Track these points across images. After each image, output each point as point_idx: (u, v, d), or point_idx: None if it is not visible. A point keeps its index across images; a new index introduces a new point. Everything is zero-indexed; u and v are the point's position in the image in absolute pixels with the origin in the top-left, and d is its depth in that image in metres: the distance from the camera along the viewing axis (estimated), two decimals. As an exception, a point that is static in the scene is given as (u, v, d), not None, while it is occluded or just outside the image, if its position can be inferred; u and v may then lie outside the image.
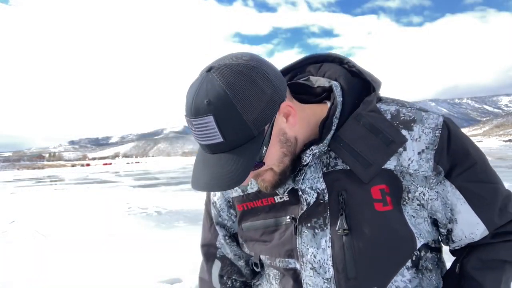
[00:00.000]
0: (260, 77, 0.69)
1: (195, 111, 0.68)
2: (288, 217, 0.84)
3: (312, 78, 0.89)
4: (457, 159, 0.77)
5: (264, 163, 0.75)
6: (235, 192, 0.95)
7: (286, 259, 0.85)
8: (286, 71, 0.92)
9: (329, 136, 0.78)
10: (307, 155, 0.77)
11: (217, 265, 1.04)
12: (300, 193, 0.81)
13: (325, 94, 0.86)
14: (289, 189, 0.83)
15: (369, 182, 0.76)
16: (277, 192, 0.85)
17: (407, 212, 0.77)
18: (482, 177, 0.78)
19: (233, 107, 0.66)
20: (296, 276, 0.84)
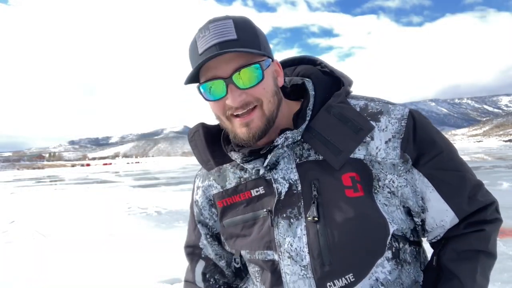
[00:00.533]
0: (259, 29, 0.85)
1: (215, 19, 0.78)
2: (265, 209, 0.87)
3: (287, 79, 0.95)
4: (423, 147, 0.79)
5: (263, 78, 0.79)
6: (215, 189, 0.99)
7: (265, 251, 0.87)
8: None
9: (303, 125, 0.82)
10: (280, 137, 0.82)
11: (201, 264, 1.07)
12: (272, 182, 0.85)
13: (297, 95, 0.93)
14: (258, 167, 0.86)
15: (340, 169, 0.79)
16: (247, 168, 0.88)
17: (379, 201, 0.80)
18: (449, 165, 0.81)
19: (249, 23, 0.80)
20: (274, 268, 0.87)
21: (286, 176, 0.83)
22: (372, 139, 0.79)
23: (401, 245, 0.83)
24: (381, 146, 0.79)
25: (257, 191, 0.88)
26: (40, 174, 55.54)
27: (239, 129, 0.82)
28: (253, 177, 0.89)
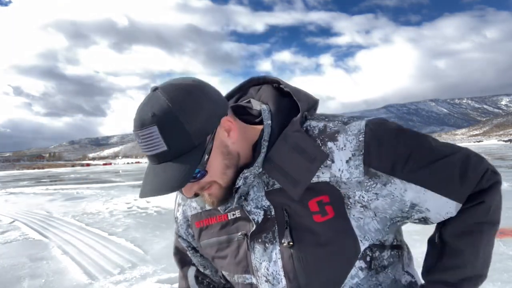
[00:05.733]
0: (201, 93, 0.78)
1: (141, 123, 0.75)
2: (239, 233, 0.88)
3: (252, 101, 0.95)
4: (392, 155, 0.77)
5: (207, 172, 0.79)
6: (194, 210, 1.00)
7: (243, 275, 0.90)
8: (233, 94, 0.99)
9: (260, 159, 0.82)
10: (239, 178, 0.82)
11: (192, 269, 1.09)
12: (247, 214, 0.85)
13: (261, 117, 0.91)
14: (230, 207, 0.87)
15: (306, 196, 0.80)
16: (219, 209, 0.89)
17: (353, 215, 0.80)
18: (426, 160, 0.78)
19: (175, 118, 0.74)
20: None
21: (258, 204, 0.84)
22: (333, 161, 0.79)
23: (376, 253, 0.83)
24: (343, 167, 0.78)
25: (233, 214, 0.89)
26: (40, 174, 55.50)
27: (203, 195, 0.85)
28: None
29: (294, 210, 0.81)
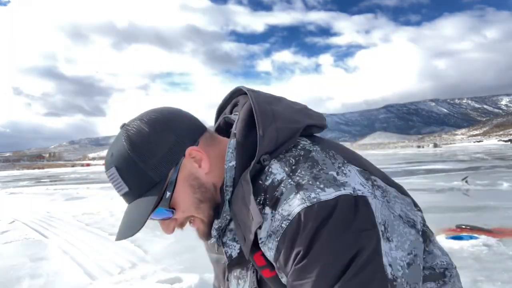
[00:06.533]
0: (164, 126, 0.75)
1: (105, 165, 0.76)
2: (223, 260, 0.85)
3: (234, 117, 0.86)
4: (295, 257, 0.66)
5: (174, 210, 0.75)
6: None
7: None
8: (224, 105, 0.92)
9: (225, 208, 0.77)
10: (213, 229, 0.79)
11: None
12: (222, 245, 0.81)
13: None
14: (212, 241, 0.83)
15: (252, 250, 0.73)
16: (208, 243, 0.87)
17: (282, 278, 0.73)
18: (306, 276, 0.65)
19: (130, 158, 0.72)
20: None
21: (236, 237, 0.79)
22: (260, 228, 0.70)
23: None
24: (264, 239, 0.70)
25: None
26: (40, 174, 55.51)
27: (180, 227, 0.82)
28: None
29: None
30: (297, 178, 0.69)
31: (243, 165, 0.75)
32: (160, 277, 4.21)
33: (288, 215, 0.66)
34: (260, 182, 0.72)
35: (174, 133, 0.75)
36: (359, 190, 0.67)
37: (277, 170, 0.72)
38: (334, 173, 0.69)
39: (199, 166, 0.76)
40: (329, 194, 0.65)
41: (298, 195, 0.67)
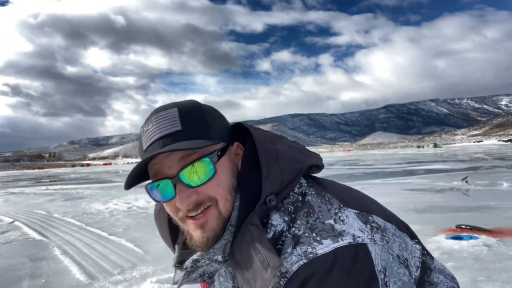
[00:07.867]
0: (222, 115, 0.79)
1: (159, 108, 0.74)
2: None
3: None
4: None
5: (215, 173, 0.70)
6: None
7: None
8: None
9: (218, 246, 0.72)
10: (204, 256, 0.74)
11: None
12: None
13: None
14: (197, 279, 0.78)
15: None
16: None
17: None
18: None
19: (198, 107, 0.74)
20: None
21: (225, 285, 0.75)
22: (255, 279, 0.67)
23: None
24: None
25: None
26: (40, 174, 55.51)
27: (194, 231, 0.74)
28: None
29: None
30: (294, 229, 0.68)
31: (247, 205, 0.72)
32: (160, 277, 4.21)
33: (286, 272, 0.64)
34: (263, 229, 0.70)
35: (226, 120, 0.80)
36: (358, 237, 0.65)
37: (277, 221, 0.70)
38: (332, 221, 0.67)
39: (238, 161, 0.76)
40: (326, 246, 0.63)
41: (295, 251, 0.65)
